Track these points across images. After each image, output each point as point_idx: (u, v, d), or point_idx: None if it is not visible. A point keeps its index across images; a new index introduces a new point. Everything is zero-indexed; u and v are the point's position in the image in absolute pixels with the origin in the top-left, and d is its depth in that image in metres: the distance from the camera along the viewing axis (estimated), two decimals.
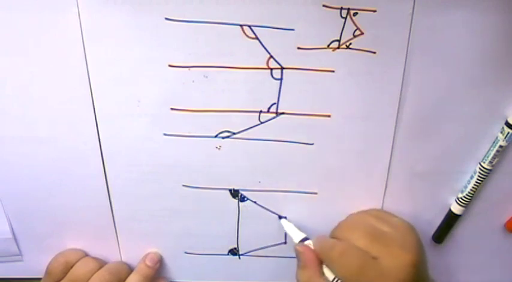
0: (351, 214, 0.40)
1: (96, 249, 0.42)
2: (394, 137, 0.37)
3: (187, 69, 0.34)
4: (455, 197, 0.40)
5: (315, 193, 0.40)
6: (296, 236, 0.38)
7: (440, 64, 0.34)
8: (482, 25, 0.33)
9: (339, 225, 0.38)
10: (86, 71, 0.34)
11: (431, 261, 0.43)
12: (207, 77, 0.35)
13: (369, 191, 0.39)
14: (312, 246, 0.36)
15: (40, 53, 0.34)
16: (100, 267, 0.40)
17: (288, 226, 0.40)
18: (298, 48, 0.34)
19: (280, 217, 0.41)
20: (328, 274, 0.34)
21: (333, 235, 0.38)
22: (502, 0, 0.32)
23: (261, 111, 0.36)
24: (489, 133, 0.37)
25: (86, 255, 0.42)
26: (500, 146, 0.37)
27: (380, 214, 0.39)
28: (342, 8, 0.32)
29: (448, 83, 0.35)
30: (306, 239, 0.37)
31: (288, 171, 0.39)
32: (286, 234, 0.42)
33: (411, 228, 0.36)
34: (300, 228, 0.41)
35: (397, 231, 0.35)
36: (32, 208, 0.40)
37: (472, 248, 0.42)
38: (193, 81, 0.35)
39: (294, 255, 0.42)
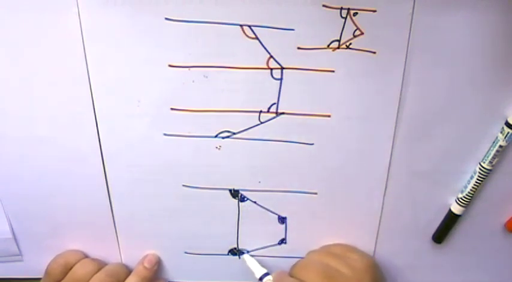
0: (311, 251, 0.41)
1: (96, 249, 0.42)
2: (394, 137, 0.37)
3: (187, 69, 0.34)
4: (455, 197, 0.40)
5: (315, 193, 0.40)
6: (258, 271, 0.40)
7: (440, 64, 0.34)
8: (482, 25, 0.33)
9: (297, 264, 0.39)
10: (86, 71, 0.34)
11: (432, 261, 0.43)
12: (207, 77, 0.35)
13: (369, 191, 0.39)
14: None
15: (40, 53, 0.34)
16: (99, 269, 0.40)
17: (250, 261, 0.41)
18: (298, 48, 0.34)
19: (242, 253, 0.42)
20: None
21: (291, 273, 0.39)
22: (502, 0, 0.32)
23: (261, 111, 0.36)
24: (489, 133, 0.37)
25: (86, 256, 0.42)
26: (500, 146, 0.37)
27: (340, 251, 0.40)
28: (342, 8, 0.32)
29: (448, 83, 0.35)
30: (267, 274, 0.40)
31: (288, 171, 0.39)
32: (286, 235, 0.42)
33: (370, 267, 0.38)
34: (301, 228, 0.41)
35: (353, 272, 0.37)
36: (32, 208, 0.40)
37: (472, 248, 0.42)
38: (193, 81, 0.35)
39: (294, 255, 0.42)
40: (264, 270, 0.40)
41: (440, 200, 0.40)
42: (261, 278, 0.40)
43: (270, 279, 0.39)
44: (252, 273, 0.41)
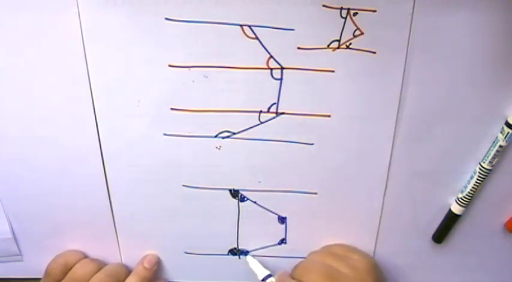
0: (312, 252, 0.41)
1: (96, 249, 0.42)
2: (394, 137, 0.37)
3: (187, 69, 0.34)
4: (455, 197, 0.40)
5: (315, 193, 0.40)
6: (260, 273, 0.40)
7: (440, 64, 0.34)
8: (482, 25, 0.33)
9: (299, 265, 0.39)
10: (86, 71, 0.34)
11: (432, 261, 0.43)
12: (207, 77, 0.35)
13: (369, 191, 0.39)
14: None
15: (40, 53, 0.34)
16: (99, 269, 0.40)
17: (253, 263, 0.42)
18: (298, 48, 0.34)
19: (242, 253, 0.42)
20: None
21: (293, 275, 0.39)
22: (502, 0, 0.32)
23: (261, 111, 0.36)
24: (489, 133, 0.37)
25: (86, 256, 0.42)
26: (500, 146, 0.37)
27: (342, 252, 0.40)
28: (342, 8, 0.32)
29: (448, 83, 0.35)
30: (269, 276, 0.40)
31: (288, 171, 0.39)
32: (286, 235, 0.42)
33: (371, 267, 0.38)
34: (301, 228, 0.41)
35: (355, 272, 0.37)
36: (32, 208, 0.40)
37: (472, 248, 0.42)
38: (193, 81, 0.35)
39: (294, 255, 0.42)
40: (267, 272, 0.40)
41: (440, 200, 0.40)
42: (263, 280, 0.40)
43: (272, 281, 0.39)
44: (255, 275, 0.41)
